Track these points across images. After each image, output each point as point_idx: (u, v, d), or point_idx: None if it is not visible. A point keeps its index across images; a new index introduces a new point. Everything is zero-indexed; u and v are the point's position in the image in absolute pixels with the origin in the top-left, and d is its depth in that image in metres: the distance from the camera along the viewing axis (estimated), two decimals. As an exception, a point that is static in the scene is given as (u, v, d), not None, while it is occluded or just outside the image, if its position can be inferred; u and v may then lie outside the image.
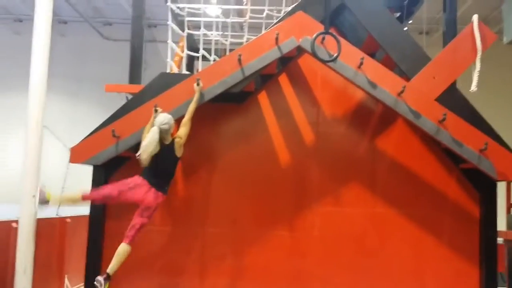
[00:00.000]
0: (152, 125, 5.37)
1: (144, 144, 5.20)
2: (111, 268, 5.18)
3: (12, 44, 17.89)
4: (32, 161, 6.34)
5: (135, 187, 5.29)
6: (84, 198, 5.38)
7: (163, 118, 5.36)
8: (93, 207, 6.08)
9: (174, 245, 6.12)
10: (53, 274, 7.71)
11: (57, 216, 7.98)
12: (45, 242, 7.12)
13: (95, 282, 5.08)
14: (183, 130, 5.45)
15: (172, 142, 5.41)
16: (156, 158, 5.30)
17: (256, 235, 6.13)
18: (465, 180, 6.06)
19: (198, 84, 5.53)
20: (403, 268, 6.03)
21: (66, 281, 7.99)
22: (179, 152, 5.44)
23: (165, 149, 5.38)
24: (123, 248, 5.24)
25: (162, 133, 5.33)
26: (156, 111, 5.51)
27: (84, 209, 6.75)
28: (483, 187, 5.97)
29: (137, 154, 5.20)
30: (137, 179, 5.34)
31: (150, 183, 5.31)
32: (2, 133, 17.89)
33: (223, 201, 6.22)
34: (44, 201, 5.34)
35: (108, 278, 5.13)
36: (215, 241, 6.12)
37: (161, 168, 5.38)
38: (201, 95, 5.58)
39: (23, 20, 18.20)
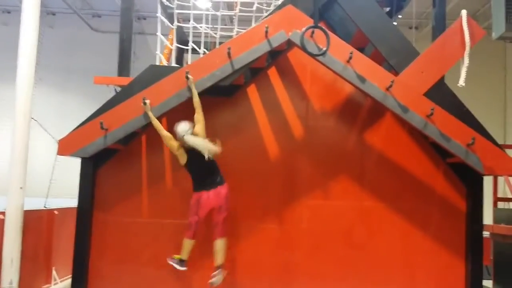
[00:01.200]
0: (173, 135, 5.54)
1: (204, 147, 5.36)
2: (220, 260, 5.60)
3: (0, 35, 17.71)
4: (19, 153, 6.32)
5: (199, 204, 5.54)
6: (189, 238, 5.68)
7: (184, 126, 5.48)
8: (80, 199, 6.05)
9: (164, 238, 6.11)
10: (41, 266, 7.66)
11: (45, 208, 7.93)
12: (33, 234, 7.07)
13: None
14: (199, 127, 5.55)
15: None
16: (191, 165, 5.54)
17: (246, 228, 6.14)
18: (452, 174, 6.10)
19: (187, 78, 5.51)
20: (390, 261, 6.07)
21: (54, 273, 7.95)
22: None
23: (193, 151, 5.46)
24: (221, 242, 5.62)
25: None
26: (144, 104, 5.50)
27: (72, 201, 6.73)
28: (470, 181, 6.03)
29: (206, 157, 5.37)
30: (194, 198, 5.58)
31: (205, 189, 5.53)
32: (-10, 125, 17.72)
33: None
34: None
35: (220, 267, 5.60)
36: (204, 234, 6.11)
37: (202, 169, 5.53)
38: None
39: (11, 11, 18.04)
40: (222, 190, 5.58)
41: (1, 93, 16.99)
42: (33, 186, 7.85)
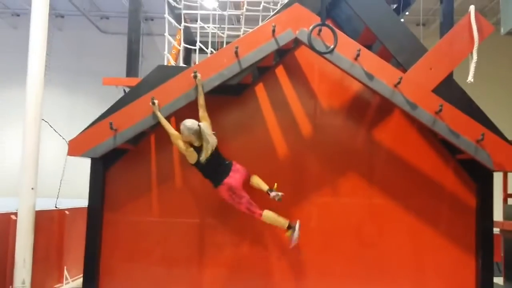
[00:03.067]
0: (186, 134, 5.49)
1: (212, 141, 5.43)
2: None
3: (10, 38, 17.86)
4: (30, 154, 6.36)
5: (234, 189, 5.55)
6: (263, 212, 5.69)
7: (193, 121, 5.48)
8: (91, 199, 6.07)
9: (174, 237, 6.14)
10: (52, 266, 7.71)
11: (56, 208, 7.98)
12: (44, 234, 7.13)
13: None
14: (205, 124, 5.53)
15: None
16: (202, 162, 5.51)
17: (254, 227, 6.11)
18: (462, 171, 6.07)
19: (195, 77, 5.53)
20: (400, 259, 6.06)
21: (65, 273, 8.01)
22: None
23: (201, 148, 5.50)
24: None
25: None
26: (153, 104, 5.52)
27: (83, 201, 6.75)
28: (479, 177, 5.99)
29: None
30: (224, 190, 5.58)
31: (224, 177, 5.54)
32: (1, 127, 17.88)
33: (221, 193, 6.20)
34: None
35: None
36: (213, 233, 6.13)
37: (214, 163, 5.55)
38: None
39: (20, 15, 18.20)
40: (237, 165, 5.67)
41: (12, 95, 17.17)
42: (44, 187, 7.91)
